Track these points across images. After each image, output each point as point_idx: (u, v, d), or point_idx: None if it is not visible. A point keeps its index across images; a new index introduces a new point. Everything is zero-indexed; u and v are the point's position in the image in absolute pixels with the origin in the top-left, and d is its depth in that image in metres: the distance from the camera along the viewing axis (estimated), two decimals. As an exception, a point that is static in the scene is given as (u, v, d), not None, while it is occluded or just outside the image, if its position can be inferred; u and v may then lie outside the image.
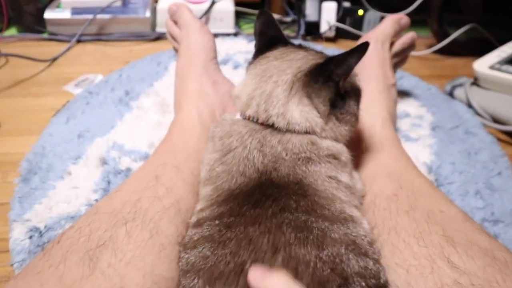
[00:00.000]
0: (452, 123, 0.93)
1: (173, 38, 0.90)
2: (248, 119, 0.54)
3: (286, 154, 0.50)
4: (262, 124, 0.53)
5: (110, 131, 0.83)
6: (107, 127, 0.84)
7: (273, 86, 0.53)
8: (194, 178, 0.58)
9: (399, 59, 0.90)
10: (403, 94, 1.03)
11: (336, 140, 0.55)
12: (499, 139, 0.90)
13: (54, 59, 1.12)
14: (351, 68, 0.50)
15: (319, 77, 0.51)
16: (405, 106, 0.98)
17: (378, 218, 0.54)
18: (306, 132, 0.52)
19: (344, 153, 0.55)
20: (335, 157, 0.53)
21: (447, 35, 1.22)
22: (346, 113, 0.55)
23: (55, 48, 1.18)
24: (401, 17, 0.87)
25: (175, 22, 0.88)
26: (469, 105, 0.99)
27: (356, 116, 0.57)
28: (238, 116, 0.56)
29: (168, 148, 0.65)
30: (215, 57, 0.84)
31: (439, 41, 1.24)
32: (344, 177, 0.53)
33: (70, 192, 0.69)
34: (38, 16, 1.22)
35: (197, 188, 0.58)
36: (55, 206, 0.67)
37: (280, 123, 0.51)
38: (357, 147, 0.69)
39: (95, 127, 0.84)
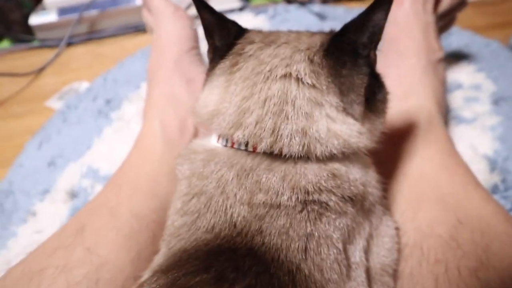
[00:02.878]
0: (522, 91, 0.69)
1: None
2: (232, 146, 0.35)
3: (289, 199, 0.32)
4: (257, 154, 0.34)
5: (85, 153, 0.71)
6: (83, 148, 0.72)
7: (283, 84, 0.34)
8: (137, 222, 0.44)
9: (445, 22, 0.67)
10: (452, 56, 0.79)
11: (370, 144, 0.37)
12: None
13: (40, 70, 1.01)
14: (380, 29, 0.34)
15: (344, 57, 0.35)
16: (456, 73, 0.75)
17: (427, 278, 0.36)
18: (330, 157, 0.34)
19: (373, 185, 0.37)
20: (361, 198, 0.34)
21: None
22: (383, 99, 0.39)
23: (45, 56, 1.06)
24: None
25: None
26: (546, 61, 0.73)
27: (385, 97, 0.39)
28: (215, 142, 0.38)
29: (116, 179, 0.51)
30: (195, 46, 0.67)
31: (498, -22, 0.96)
32: (359, 247, 0.34)
33: (32, 239, 0.58)
34: (25, 23, 1.11)
35: (138, 238, 0.43)
36: (14, 260, 0.55)
37: (294, 147, 0.33)
38: (389, 154, 0.49)
39: (69, 149, 0.72)
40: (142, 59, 0.94)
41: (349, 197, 0.33)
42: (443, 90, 0.59)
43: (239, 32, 0.40)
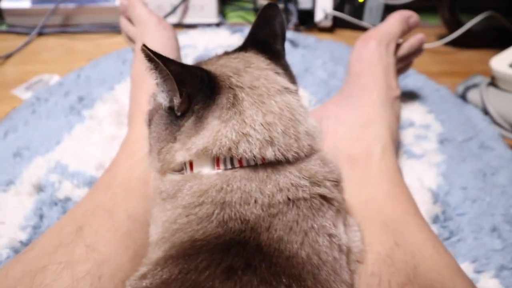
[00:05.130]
0: (464, 134, 0.78)
1: (130, 38, 0.77)
2: (241, 165, 0.38)
3: (304, 191, 0.37)
4: (265, 164, 0.38)
5: (54, 148, 0.70)
6: (52, 142, 0.71)
7: (283, 96, 0.41)
8: (132, 223, 0.46)
9: (403, 64, 0.75)
10: (408, 96, 0.88)
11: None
12: (521, 155, 0.75)
13: (7, 56, 0.99)
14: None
15: (283, 61, 0.48)
16: (409, 112, 0.83)
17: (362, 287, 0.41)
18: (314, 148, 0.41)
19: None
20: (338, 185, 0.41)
21: (460, 24, 1.06)
22: None
23: (13, 42, 1.04)
24: (410, 15, 0.72)
25: (130, 20, 0.75)
26: (485, 111, 0.84)
27: None
28: (210, 170, 0.39)
29: (108, 181, 0.52)
30: (179, 57, 0.70)
31: (451, 31, 1.08)
32: (340, 232, 0.39)
33: (-7, 230, 0.57)
34: (-6, 6, 1.08)
35: (135, 237, 0.45)
36: (-28, 249, 0.55)
37: (306, 147, 0.40)
38: (346, 176, 0.55)
39: (37, 142, 0.71)
40: (117, 61, 0.95)
41: (336, 180, 0.40)
42: (397, 124, 0.66)
43: (205, 73, 0.40)
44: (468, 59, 1.06)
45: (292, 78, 0.46)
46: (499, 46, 0.91)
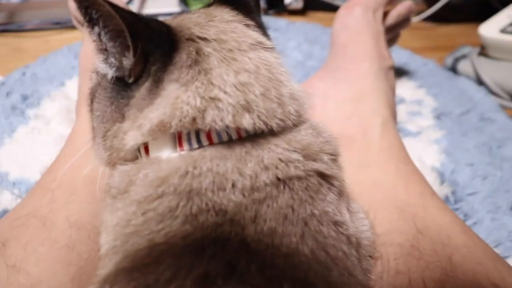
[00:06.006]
0: (461, 108, 0.71)
1: (80, 22, 0.67)
2: (239, 137, 0.29)
3: (297, 167, 0.29)
4: (241, 139, 0.30)
5: (-8, 155, 0.59)
6: (-11, 148, 0.60)
7: (257, 52, 0.32)
8: (76, 231, 0.36)
9: (391, 36, 0.68)
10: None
11: None
12: (524, 124, 0.68)
13: None
14: None
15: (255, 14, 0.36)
16: (398, 88, 0.75)
17: None
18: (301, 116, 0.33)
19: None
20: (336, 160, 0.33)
21: (438, -2, 1.00)
22: None
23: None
24: None
25: None
26: (479, 81, 0.77)
27: None
28: (171, 153, 0.30)
29: (46, 183, 0.42)
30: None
31: (429, 6, 1.02)
32: (346, 219, 0.31)
33: None
34: None
35: (79, 250, 0.35)
36: None
37: (293, 114, 0.31)
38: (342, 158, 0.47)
39: (-29, 150, 0.60)
40: (68, 55, 0.84)
41: (334, 153, 0.32)
42: (393, 96, 0.58)
43: (163, 24, 0.32)
44: (450, 34, 1.01)
45: (266, 36, 0.37)
46: (479, 19, 0.85)
